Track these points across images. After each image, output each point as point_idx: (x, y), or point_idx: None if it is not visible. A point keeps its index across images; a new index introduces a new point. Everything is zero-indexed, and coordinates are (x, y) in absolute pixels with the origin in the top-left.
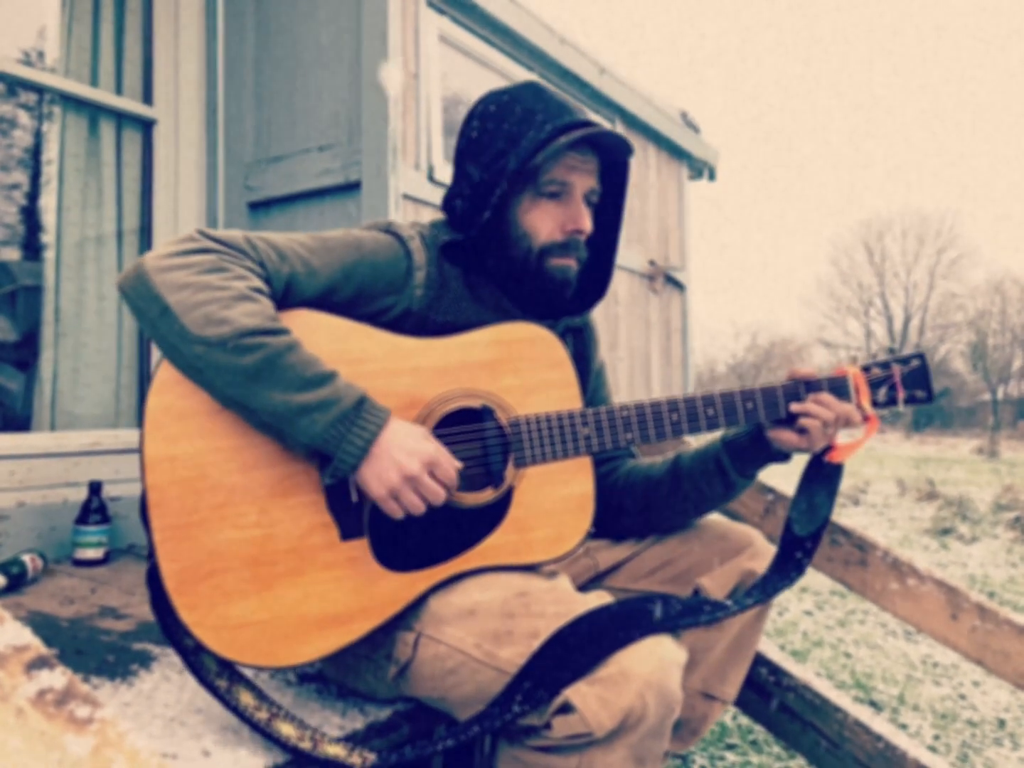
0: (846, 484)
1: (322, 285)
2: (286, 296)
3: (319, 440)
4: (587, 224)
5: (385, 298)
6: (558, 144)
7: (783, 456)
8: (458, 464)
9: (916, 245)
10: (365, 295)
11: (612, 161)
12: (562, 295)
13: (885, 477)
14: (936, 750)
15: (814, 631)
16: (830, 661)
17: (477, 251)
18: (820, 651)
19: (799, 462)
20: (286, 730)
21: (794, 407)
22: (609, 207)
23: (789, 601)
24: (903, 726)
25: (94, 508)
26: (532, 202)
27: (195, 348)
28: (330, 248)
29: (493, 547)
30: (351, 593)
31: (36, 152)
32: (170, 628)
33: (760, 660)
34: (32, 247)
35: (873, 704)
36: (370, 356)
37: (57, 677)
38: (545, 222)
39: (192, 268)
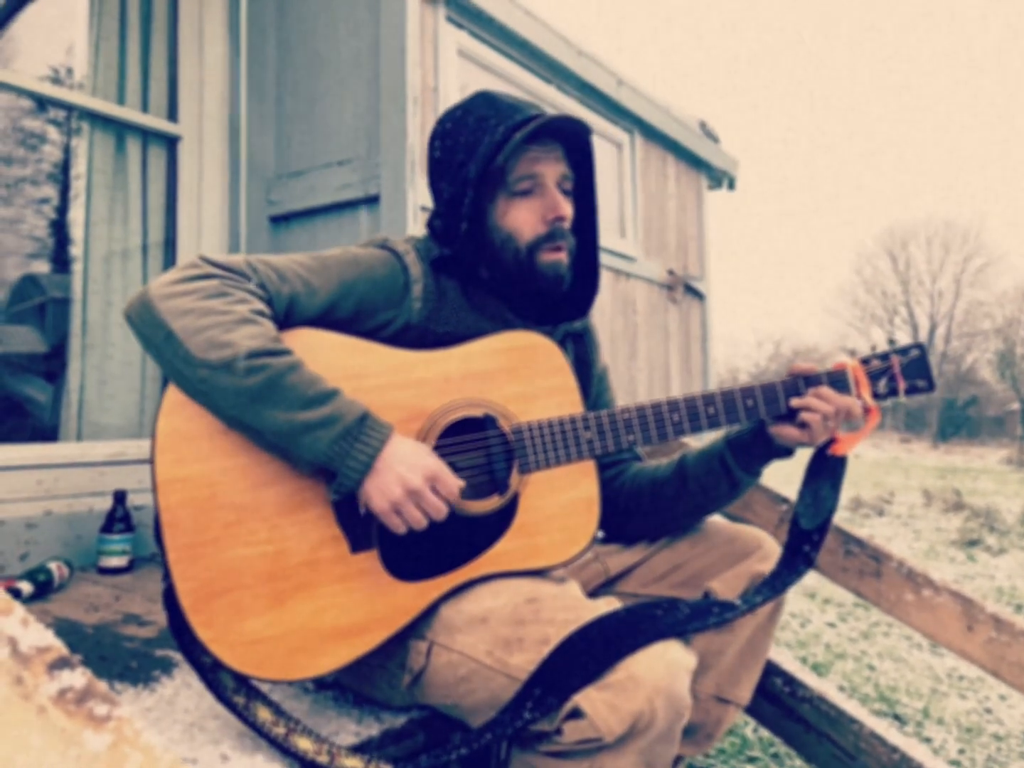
0: (870, 494)
1: (323, 303)
2: (288, 316)
3: (323, 457)
4: (566, 209)
5: (384, 313)
6: (514, 141)
7: (786, 452)
8: (460, 482)
9: (941, 253)
10: (365, 311)
11: (576, 146)
12: (557, 290)
13: (911, 487)
14: (961, 764)
15: (837, 643)
16: (853, 674)
17: (467, 263)
18: (843, 663)
19: (803, 458)
20: (303, 744)
21: (794, 402)
22: (582, 192)
23: (812, 612)
24: (927, 740)
25: (119, 517)
26: (507, 203)
27: (199, 371)
28: (328, 267)
29: (502, 553)
30: (363, 604)
31: (65, 167)
32: (188, 646)
33: (775, 670)
34: (61, 260)
35: (897, 718)
36: (372, 371)
37: (77, 677)
38: (526, 218)
39: (195, 294)
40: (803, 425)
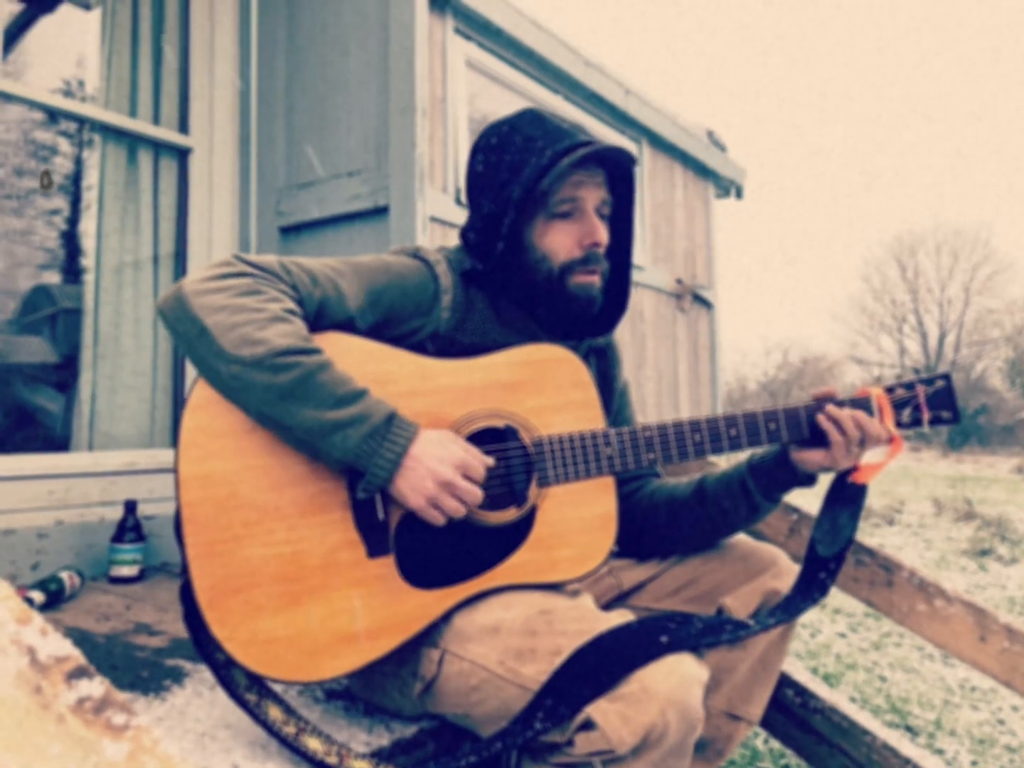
0: (880, 503)
1: (352, 308)
2: (318, 318)
3: (351, 455)
4: (603, 236)
5: (413, 321)
6: (560, 167)
7: (808, 479)
8: (488, 460)
9: (950, 260)
10: (394, 318)
11: (618, 173)
12: (588, 313)
13: (921, 496)
14: None
15: (848, 654)
16: (864, 684)
17: (499, 279)
18: (854, 674)
19: (823, 485)
20: (313, 745)
21: (818, 417)
22: (619, 218)
23: (822, 623)
24: (940, 751)
25: (129, 527)
26: (546, 224)
27: (231, 367)
28: (360, 273)
29: (517, 565)
30: (378, 610)
31: (76, 179)
32: (202, 642)
33: (787, 681)
34: (72, 271)
35: (909, 729)
36: (397, 377)
37: (96, 686)
38: (562, 241)
39: (229, 291)
40: (826, 445)
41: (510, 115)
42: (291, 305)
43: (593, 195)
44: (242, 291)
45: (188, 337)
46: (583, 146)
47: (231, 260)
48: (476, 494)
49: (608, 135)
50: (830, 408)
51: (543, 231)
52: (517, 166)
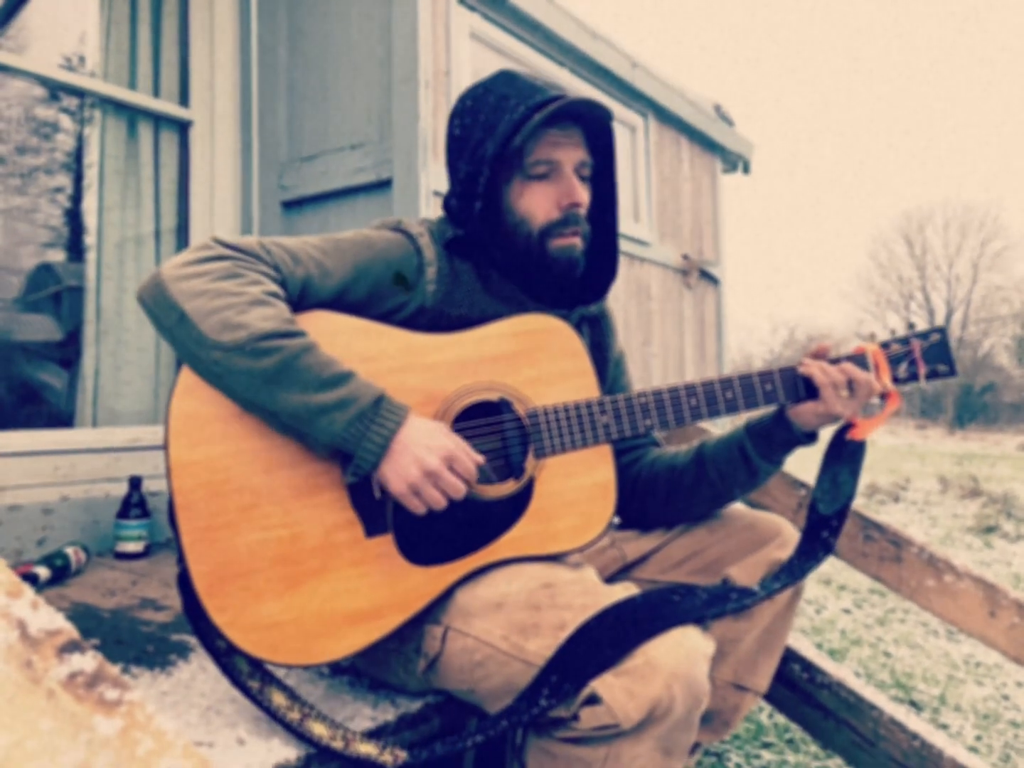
0: (886, 481)
1: (336, 286)
2: (302, 298)
3: (339, 439)
4: (582, 196)
5: (398, 296)
6: (533, 122)
7: (808, 437)
8: (479, 458)
9: (959, 237)
10: (378, 294)
11: (597, 131)
12: (570, 277)
13: (926, 474)
14: (978, 751)
15: (852, 629)
16: (869, 660)
17: (480, 245)
18: (859, 650)
19: (821, 446)
20: (318, 730)
21: (802, 369)
22: (603, 179)
23: (827, 599)
24: (944, 726)
25: (134, 503)
26: (523, 186)
27: (213, 354)
28: (342, 249)
29: (517, 538)
30: (379, 589)
31: (78, 156)
32: (202, 631)
33: (794, 657)
34: (75, 249)
35: (913, 704)
36: (386, 354)
37: (88, 661)
38: (540, 203)
39: (208, 275)
40: (817, 395)
41: (485, 78)
42: (272, 287)
43: (571, 155)
44: (221, 275)
45: (167, 324)
46: (556, 100)
47: (210, 243)
48: (460, 488)
49: (614, 108)
50: (820, 362)
51: (520, 192)
52: (491, 124)
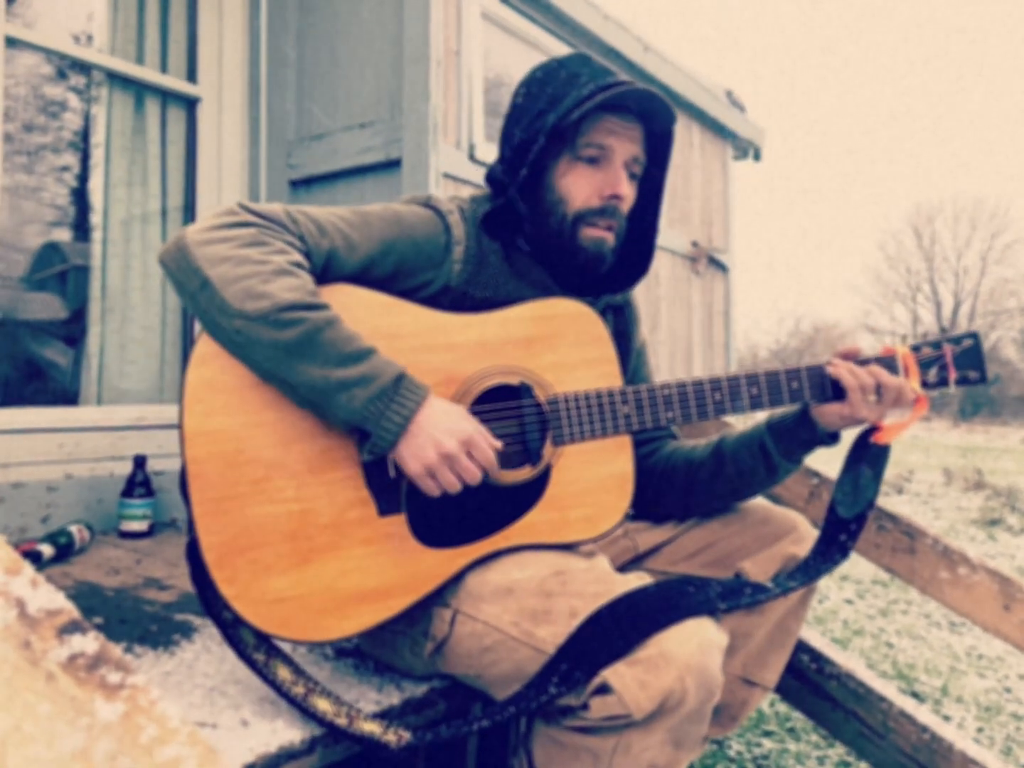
0: (890, 472)
1: (362, 260)
2: (326, 270)
3: (357, 416)
4: (625, 190)
5: (424, 273)
6: (596, 100)
7: (830, 438)
8: (497, 444)
9: (968, 229)
10: (404, 270)
11: (656, 132)
12: (595, 269)
13: (931, 466)
14: (980, 743)
15: (855, 620)
16: (871, 651)
17: (515, 218)
18: (861, 640)
19: (845, 446)
20: (322, 706)
21: (831, 369)
22: (652, 181)
23: (829, 589)
24: (946, 718)
25: (139, 481)
26: (569, 165)
27: (235, 322)
28: (370, 223)
29: (531, 525)
30: (389, 569)
31: (85, 135)
32: (209, 601)
33: (802, 647)
34: (82, 227)
35: (915, 695)
36: (408, 332)
37: (89, 642)
38: (581, 187)
39: (232, 242)
40: (844, 397)
41: (561, 56)
42: (297, 257)
43: (625, 147)
44: (246, 242)
45: (190, 289)
46: (624, 85)
47: (235, 209)
48: (476, 474)
49: None
50: (849, 364)
51: (565, 171)
52: (558, 97)
